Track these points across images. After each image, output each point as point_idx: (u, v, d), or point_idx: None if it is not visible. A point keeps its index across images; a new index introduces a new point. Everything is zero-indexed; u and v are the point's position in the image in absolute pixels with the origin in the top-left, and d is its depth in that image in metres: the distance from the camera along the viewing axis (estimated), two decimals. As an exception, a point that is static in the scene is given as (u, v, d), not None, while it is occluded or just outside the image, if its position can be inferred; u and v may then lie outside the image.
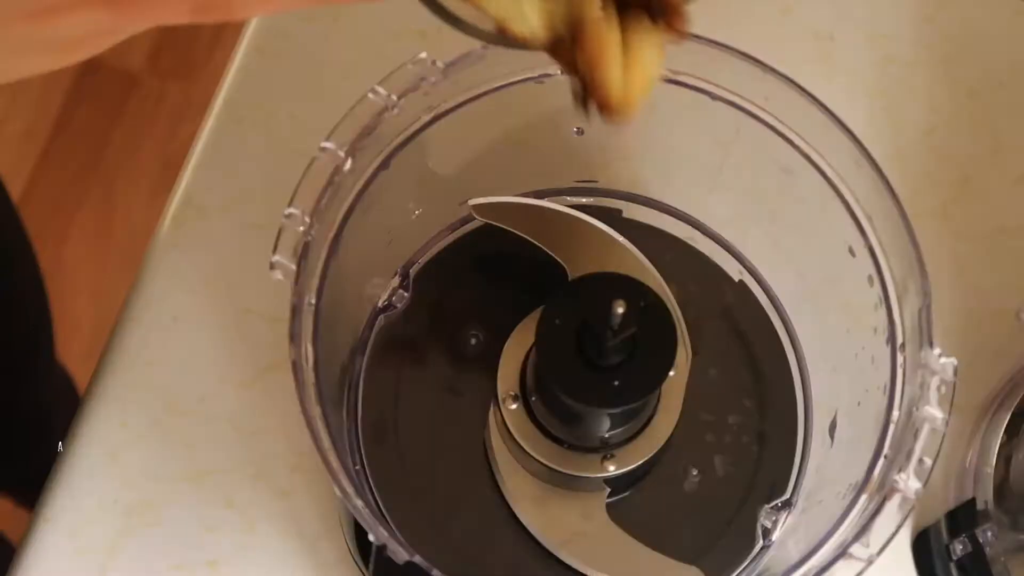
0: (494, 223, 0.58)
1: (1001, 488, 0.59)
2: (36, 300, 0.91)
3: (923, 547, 0.60)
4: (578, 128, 0.59)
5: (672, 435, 0.54)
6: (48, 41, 0.35)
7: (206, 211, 0.67)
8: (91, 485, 0.60)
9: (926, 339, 0.48)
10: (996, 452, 0.60)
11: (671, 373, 0.51)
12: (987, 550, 0.56)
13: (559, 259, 0.56)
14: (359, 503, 0.46)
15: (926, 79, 0.74)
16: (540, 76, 0.54)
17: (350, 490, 0.46)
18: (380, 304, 0.59)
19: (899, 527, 0.45)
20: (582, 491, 0.54)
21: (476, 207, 0.57)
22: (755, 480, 0.56)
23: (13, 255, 0.86)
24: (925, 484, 0.46)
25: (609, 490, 0.54)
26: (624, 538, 0.53)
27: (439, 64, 0.52)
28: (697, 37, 0.41)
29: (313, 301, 0.49)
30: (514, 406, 0.54)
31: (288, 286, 0.49)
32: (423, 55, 0.52)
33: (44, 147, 1.57)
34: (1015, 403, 0.61)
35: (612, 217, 0.60)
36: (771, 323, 0.60)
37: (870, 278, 0.52)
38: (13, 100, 1.60)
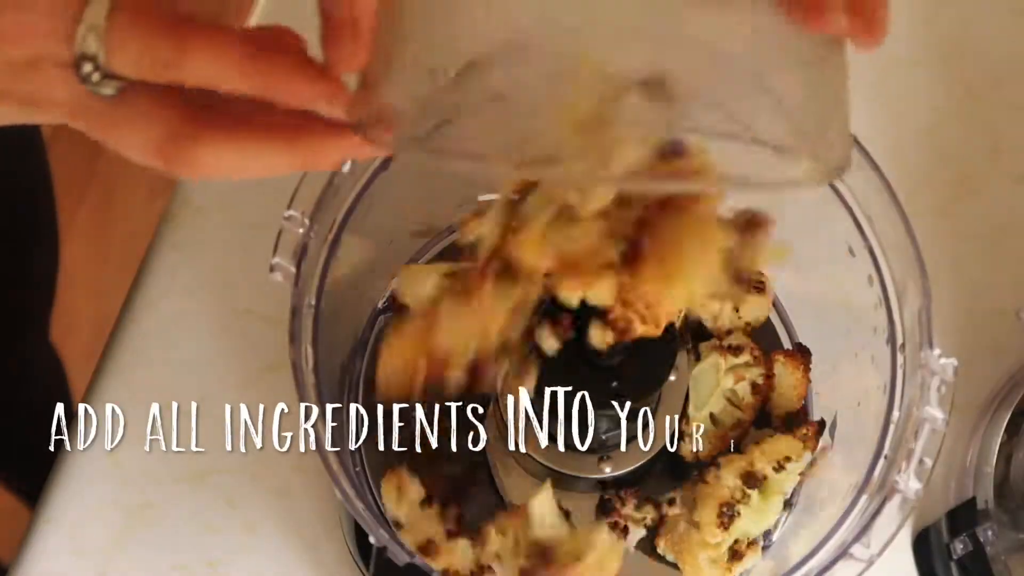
0: (494, 222, 0.57)
1: (1001, 487, 0.59)
2: (49, 260, 0.91)
3: (923, 546, 0.60)
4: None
5: (671, 436, 0.54)
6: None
7: (205, 211, 0.67)
8: (91, 485, 0.60)
9: (926, 339, 0.48)
10: (996, 451, 0.60)
11: (672, 377, 0.51)
12: (987, 549, 0.56)
13: (559, 259, 0.56)
14: (360, 505, 0.46)
15: (926, 79, 0.74)
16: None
17: (351, 492, 0.46)
18: (380, 304, 0.59)
19: (899, 527, 0.45)
20: (580, 491, 0.54)
21: (478, 205, 0.57)
22: (755, 480, 0.56)
23: (39, 212, 0.86)
24: (925, 484, 0.46)
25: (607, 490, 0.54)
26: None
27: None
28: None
29: (313, 302, 0.49)
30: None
31: (288, 287, 0.48)
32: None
33: (44, 147, 1.57)
34: (1015, 403, 0.61)
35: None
36: (771, 323, 0.60)
37: (870, 278, 0.52)
38: (12, 100, 1.59)
